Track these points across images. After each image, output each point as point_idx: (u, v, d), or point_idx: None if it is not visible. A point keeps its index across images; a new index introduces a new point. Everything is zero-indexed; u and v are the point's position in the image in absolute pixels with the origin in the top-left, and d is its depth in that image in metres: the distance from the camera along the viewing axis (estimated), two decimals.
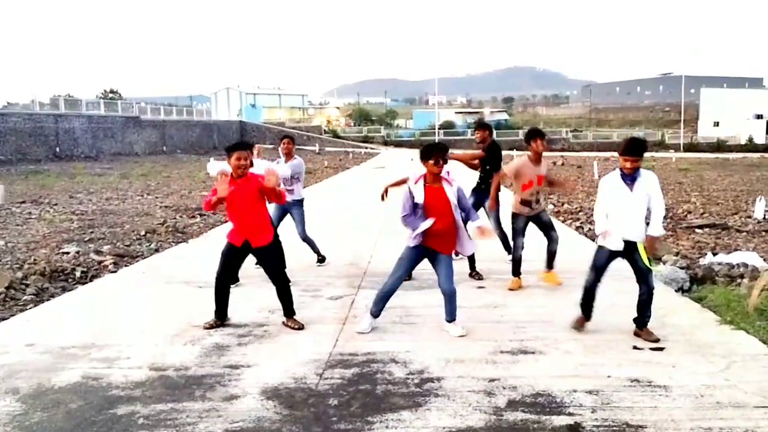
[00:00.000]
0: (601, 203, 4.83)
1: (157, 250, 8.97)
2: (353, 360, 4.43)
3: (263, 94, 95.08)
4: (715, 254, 8.01)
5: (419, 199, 4.74)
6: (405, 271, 5.02)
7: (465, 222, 5.01)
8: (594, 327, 5.03)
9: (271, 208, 6.68)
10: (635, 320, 4.86)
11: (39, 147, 36.20)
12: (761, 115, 66.52)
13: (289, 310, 5.25)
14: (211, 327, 5.14)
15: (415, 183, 4.80)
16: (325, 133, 69.84)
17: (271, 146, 30.51)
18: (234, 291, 5.47)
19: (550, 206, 13.24)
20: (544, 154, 6.36)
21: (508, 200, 6.67)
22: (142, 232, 10.27)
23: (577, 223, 11.27)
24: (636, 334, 4.82)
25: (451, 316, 4.98)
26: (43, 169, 28.00)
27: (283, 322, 5.24)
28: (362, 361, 4.41)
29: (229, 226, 5.30)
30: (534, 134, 6.27)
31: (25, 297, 6.38)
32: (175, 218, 12.22)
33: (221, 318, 5.22)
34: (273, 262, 5.28)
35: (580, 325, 5.00)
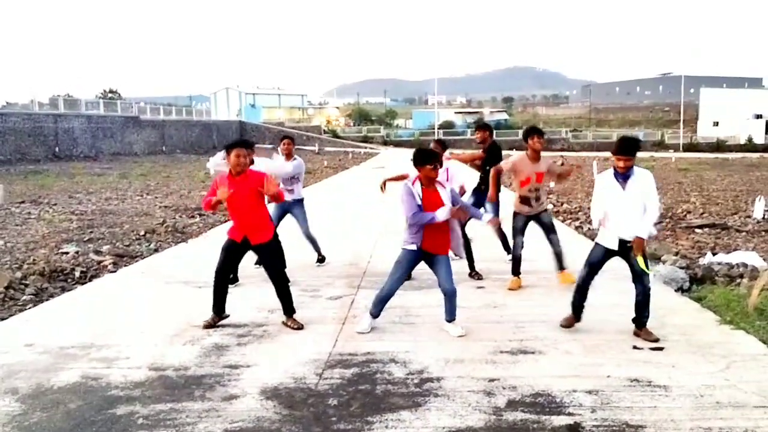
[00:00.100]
0: (596, 202, 4.88)
1: (156, 250, 8.96)
2: (353, 360, 4.43)
3: (263, 94, 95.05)
4: (714, 254, 8.02)
5: (418, 200, 4.75)
6: (403, 275, 5.02)
7: (462, 227, 5.02)
8: (594, 327, 5.03)
9: (272, 207, 6.68)
10: (634, 320, 4.86)
11: (38, 147, 36.18)
12: (760, 115, 66.54)
13: (288, 309, 5.24)
14: (209, 326, 5.14)
15: (412, 184, 4.80)
16: (325, 133, 69.83)
17: (270, 146, 30.52)
18: (233, 291, 5.47)
19: (549, 206, 13.22)
20: (545, 154, 6.36)
21: (509, 200, 6.67)
22: (142, 232, 10.27)
23: (577, 223, 11.29)
24: (636, 334, 4.82)
25: (450, 316, 4.98)
26: (43, 169, 27.99)
27: (283, 322, 5.24)
28: (362, 361, 4.41)
29: (230, 224, 5.31)
30: (531, 132, 6.30)
31: (25, 297, 6.38)
32: (174, 218, 12.21)
33: (219, 313, 5.21)
34: (272, 260, 5.28)
35: (569, 324, 4.99)
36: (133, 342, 4.84)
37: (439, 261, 4.89)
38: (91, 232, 10.45)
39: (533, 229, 6.47)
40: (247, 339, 4.91)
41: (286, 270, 5.74)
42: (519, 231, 6.36)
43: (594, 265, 4.90)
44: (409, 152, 5.10)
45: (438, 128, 66.62)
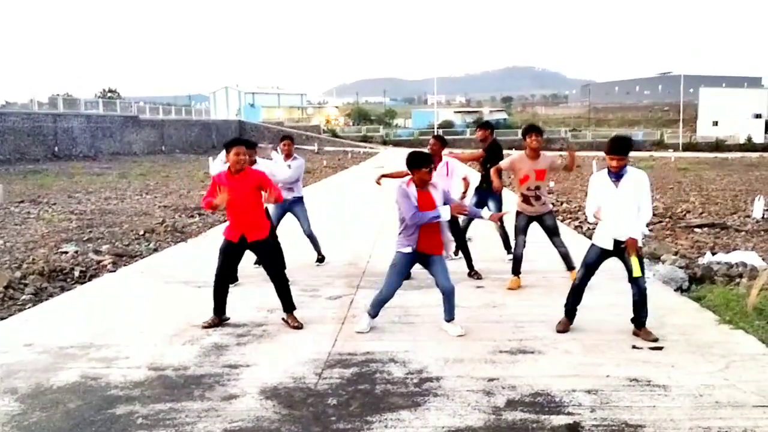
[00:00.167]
0: (590, 200, 4.95)
1: (156, 250, 8.96)
2: (352, 360, 4.43)
3: (262, 93, 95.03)
4: (714, 254, 8.02)
5: (414, 202, 4.76)
6: (400, 278, 5.02)
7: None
8: (593, 327, 5.04)
9: (272, 207, 6.69)
10: (633, 320, 4.87)
11: (37, 146, 36.13)
12: (760, 115, 66.57)
13: (289, 306, 5.24)
14: (209, 326, 5.14)
15: (407, 186, 4.81)
16: (324, 133, 69.85)
17: (270, 145, 30.48)
18: (233, 291, 5.47)
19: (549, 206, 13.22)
20: (548, 153, 6.36)
21: (513, 200, 6.66)
22: (141, 232, 10.26)
23: (576, 222, 11.29)
24: (635, 333, 4.83)
25: (449, 316, 4.99)
26: (42, 168, 27.96)
27: (283, 318, 5.24)
28: (361, 360, 4.41)
29: (225, 224, 5.31)
30: (529, 130, 6.33)
31: (24, 297, 6.37)
32: (173, 218, 12.21)
33: (220, 315, 5.21)
34: (270, 257, 5.28)
35: (564, 328, 4.99)
36: (132, 342, 4.84)
37: (435, 261, 4.90)
38: (91, 231, 10.45)
39: (534, 229, 6.47)
40: (247, 339, 4.91)
41: (285, 270, 5.74)
42: (521, 230, 6.36)
43: (590, 265, 4.93)
44: (409, 152, 5.11)
45: (437, 128, 66.64)
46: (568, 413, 3.55)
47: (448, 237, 5.10)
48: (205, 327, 5.12)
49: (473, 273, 6.86)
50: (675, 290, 6.31)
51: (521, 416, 3.52)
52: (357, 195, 16.54)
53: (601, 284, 5.80)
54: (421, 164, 4.76)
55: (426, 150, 5.60)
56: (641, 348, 4.59)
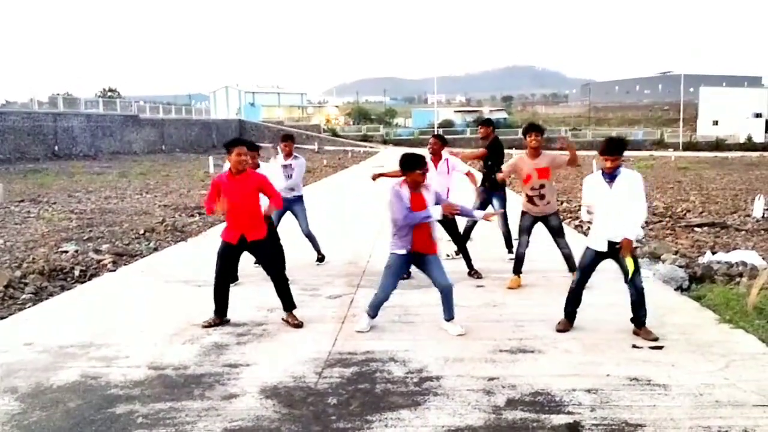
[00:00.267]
0: (584, 198, 5.04)
1: (156, 249, 8.96)
2: (352, 359, 4.43)
3: (262, 92, 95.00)
4: (714, 253, 8.02)
5: (407, 203, 4.77)
6: (395, 280, 5.03)
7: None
8: (593, 326, 5.04)
9: None
10: (632, 320, 4.87)
11: (37, 146, 36.17)
12: (760, 114, 66.58)
13: (289, 304, 5.24)
14: (210, 325, 5.14)
15: (401, 187, 4.82)
16: (324, 132, 69.83)
17: (270, 145, 30.47)
18: (233, 290, 5.47)
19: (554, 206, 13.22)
20: (549, 151, 6.34)
21: (518, 200, 6.65)
22: (141, 231, 10.27)
23: (576, 222, 11.28)
24: (635, 333, 4.83)
25: (449, 315, 4.99)
26: (42, 167, 27.97)
27: (283, 318, 5.24)
28: (361, 360, 4.41)
29: (223, 226, 5.31)
30: (529, 129, 6.34)
31: (24, 296, 6.37)
32: (174, 217, 12.21)
33: (221, 315, 5.22)
34: (269, 257, 5.29)
35: (565, 328, 4.99)
36: (132, 341, 4.84)
37: (430, 260, 4.92)
38: (91, 230, 10.45)
39: (536, 229, 6.46)
40: (247, 338, 4.91)
41: (285, 270, 5.74)
42: (525, 230, 6.36)
43: (586, 268, 4.95)
44: (409, 152, 5.11)
45: (437, 127, 66.64)
46: (568, 412, 3.55)
47: (437, 236, 5.11)
48: (206, 326, 5.12)
49: (473, 272, 6.86)
50: (675, 289, 6.31)
51: (521, 415, 3.52)
52: (357, 194, 16.55)
53: (600, 284, 5.80)
54: (414, 166, 4.78)
55: (426, 150, 5.61)
56: (641, 347, 4.59)
